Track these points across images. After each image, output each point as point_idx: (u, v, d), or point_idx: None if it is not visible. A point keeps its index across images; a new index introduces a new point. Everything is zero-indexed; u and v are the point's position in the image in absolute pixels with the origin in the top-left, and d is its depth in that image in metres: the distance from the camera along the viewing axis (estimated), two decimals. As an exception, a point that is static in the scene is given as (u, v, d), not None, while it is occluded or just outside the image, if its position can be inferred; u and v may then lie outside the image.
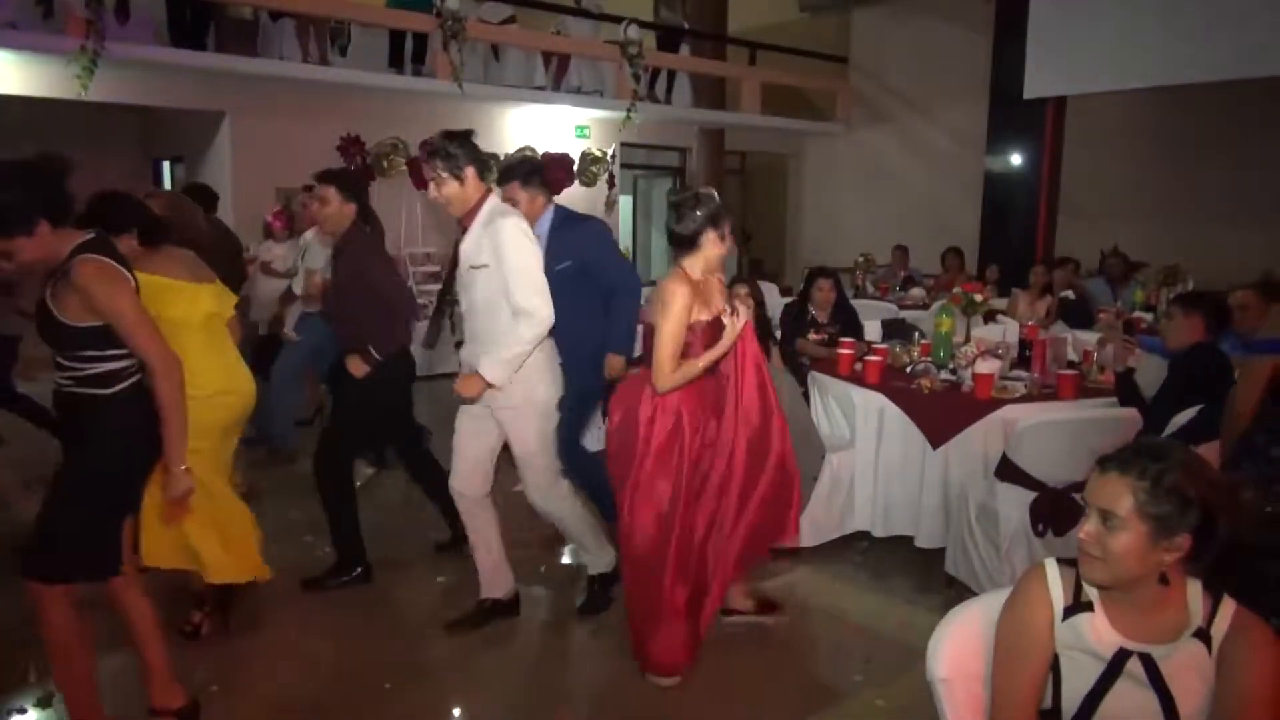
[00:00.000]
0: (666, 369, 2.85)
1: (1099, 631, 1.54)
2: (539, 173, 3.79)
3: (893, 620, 3.64)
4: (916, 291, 8.41)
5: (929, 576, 3.94)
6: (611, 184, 10.29)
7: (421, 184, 8.47)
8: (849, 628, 3.62)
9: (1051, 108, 9.19)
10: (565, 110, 9.79)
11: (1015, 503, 3.44)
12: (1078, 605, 1.57)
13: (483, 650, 3.34)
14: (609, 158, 10.25)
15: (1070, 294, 6.87)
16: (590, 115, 10.06)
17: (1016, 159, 9.80)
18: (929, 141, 11.08)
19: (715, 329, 2.94)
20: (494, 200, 3.18)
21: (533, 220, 3.47)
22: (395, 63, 8.50)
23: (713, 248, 2.99)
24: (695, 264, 2.98)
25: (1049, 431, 3.39)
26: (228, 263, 4.26)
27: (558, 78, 9.62)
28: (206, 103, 7.92)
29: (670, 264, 3.03)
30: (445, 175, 3.07)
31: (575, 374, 3.55)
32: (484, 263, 3.08)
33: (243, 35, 7.98)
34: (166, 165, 9.81)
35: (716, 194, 3.04)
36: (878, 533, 4.24)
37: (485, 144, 9.84)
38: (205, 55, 7.37)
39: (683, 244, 2.99)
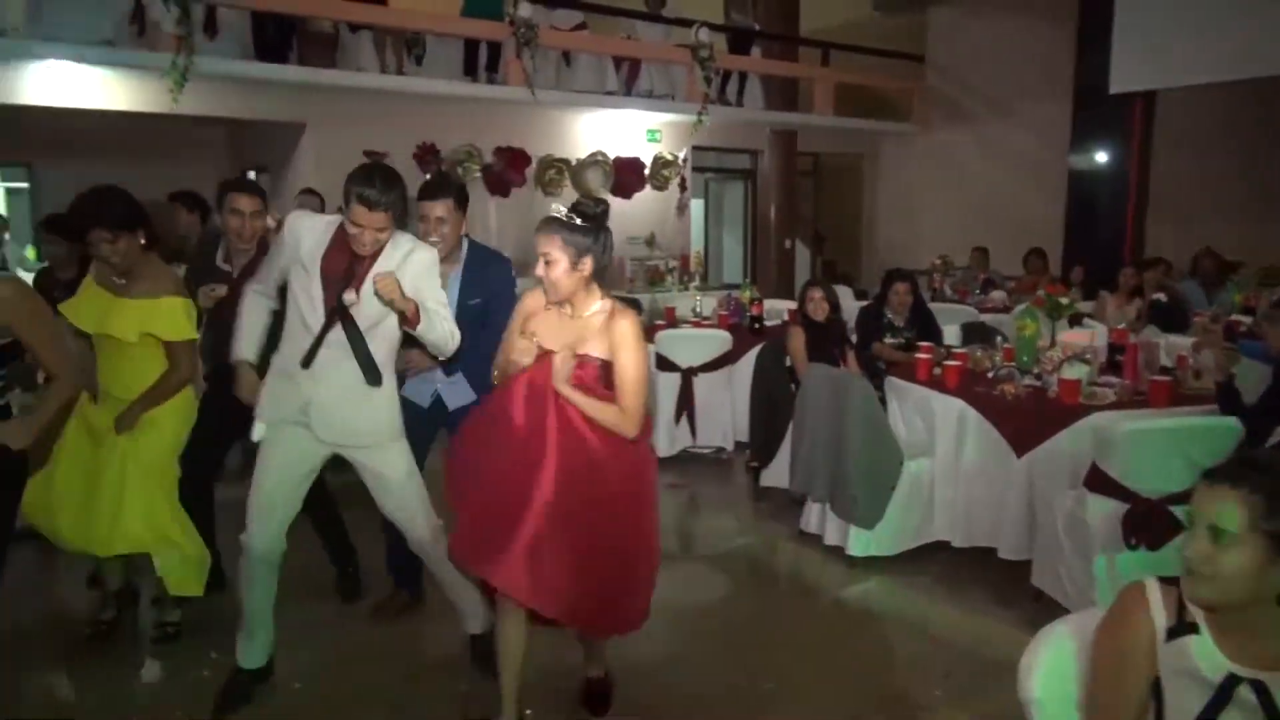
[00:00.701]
0: (638, 411, 2.51)
1: (1206, 655, 1.45)
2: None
3: (973, 634, 3.52)
4: (997, 294, 8.17)
5: (1012, 589, 3.80)
6: (683, 188, 10.26)
7: (498, 189, 8.63)
8: (927, 640, 3.52)
9: (1139, 103, 8.83)
10: (637, 114, 9.80)
11: (1106, 514, 3.29)
12: (1182, 626, 1.47)
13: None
14: (680, 161, 10.23)
15: (1162, 297, 6.59)
16: (661, 119, 10.05)
17: (1102, 157, 9.44)
18: (1009, 140, 10.76)
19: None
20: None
21: (452, 246, 3.20)
22: (469, 71, 8.62)
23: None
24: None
25: (1143, 440, 3.24)
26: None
27: (629, 82, 9.63)
28: (289, 114, 8.15)
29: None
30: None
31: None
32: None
33: (323, 48, 8.19)
34: (252, 175, 10.13)
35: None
36: (957, 543, 4.13)
37: (558, 149, 10.02)
38: (288, 68, 7.59)
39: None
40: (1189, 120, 9.00)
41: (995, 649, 3.37)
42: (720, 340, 5.81)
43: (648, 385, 2.55)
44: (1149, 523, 3.19)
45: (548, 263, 2.50)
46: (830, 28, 11.18)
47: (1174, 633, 1.48)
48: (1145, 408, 3.86)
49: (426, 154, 8.44)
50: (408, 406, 3.15)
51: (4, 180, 9.97)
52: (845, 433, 4.01)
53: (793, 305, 7.21)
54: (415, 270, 2.74)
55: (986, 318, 6.89)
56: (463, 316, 3.02)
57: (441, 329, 2.77)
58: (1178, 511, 3.15)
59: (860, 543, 4.08)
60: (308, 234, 2.75)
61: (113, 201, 2.98)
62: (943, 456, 4.12)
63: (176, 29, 6.45)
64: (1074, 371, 3.96)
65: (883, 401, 4.44)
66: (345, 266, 2.71)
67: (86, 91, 7.01)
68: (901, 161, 12.09)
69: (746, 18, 10.36)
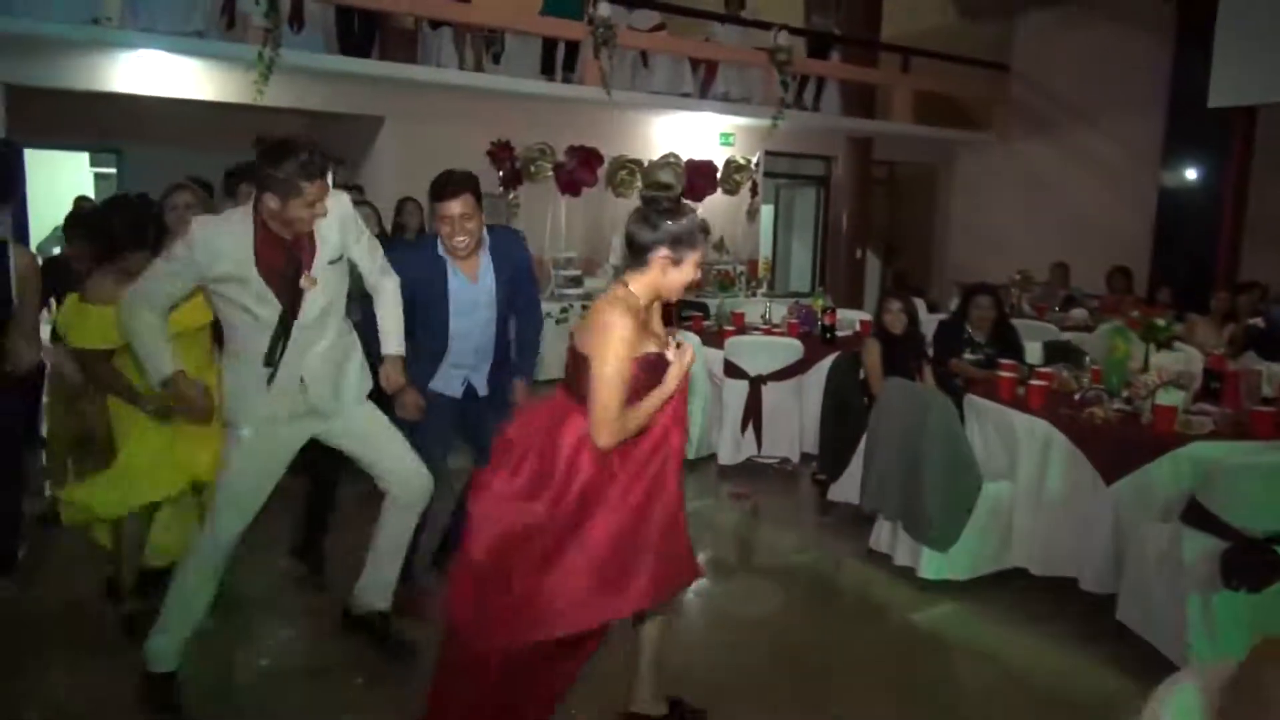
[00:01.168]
0: (612, 423, 2.29)
1: None
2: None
3: (1052, 668, 3.36)
4: (1078, 312, 7.87)
5: (1094, 623, 3.62)
6: (754, 192, 10.14)
7: (569, 188, 8.63)
8: (1002, 672, 3.36)
9: (1240, 118, 8.44)
10: (711, 117, 9.71)
11: (1203, 551, 3.10)
12: None
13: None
14: (753, 165, 10.11)
15: (1259, 322, 6.26)
16: (735, 122, 9.95)
17: (1196, 174, 9.07)
18: (1095, 153, 10.39)
19: (663, 364, 2.39)
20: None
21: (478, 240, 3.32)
22: (547, 70, 8.64)
23: (669, 273, 2.38)
24: (642, 286, 2.40)
25: (1248, 475, 3.04)
26: None
27: (705, 84, 9.56)
28: (368, 107, 8.25)
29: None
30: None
31: None
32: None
33: (404, 43, 8.28)
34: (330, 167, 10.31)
35: (699, 215, 2.44)
36: (1037, 571, 3.95)
37: (631, 150, 9.99)
38: (369, 62, 7.69)
39: (635, 255, 2.41)
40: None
41: (1076, 686, 3.21)
42: (792, 349, 5.69)
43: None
44: (1251, 563, 2.99)
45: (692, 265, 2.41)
46: (912, 33, 10.95)
47: None
48: (1247, 438, 3.65)
49: (501, 151, 8.47)
50: (436, 400, 3.29)
51: (95, 165, 10.28)
52: (922, 450, 3.87)
53: (865, 316, 7.06)
54: (345, 225, 2.81)
55: (1068, 336, 6.64)
56: (499, 294, 3.30)
57: (397, 303, 3.03)
58: (1283, 552, 2.97)
59: (933, 565, 3.93)
60: (225, 250, 2.59)
61: (149, 223, 3.16)
62: (1024, 480, 3.95)
63: (264, 22, 6.57)
64: (1169, 397, 3.75)
65: (961, 419, 4.29)
66: (284, 256, 2.66)
67: (176, 81, 7.19)
68: (979, 172, 11.79)
69: (827, 21, 10.20)
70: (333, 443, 2.94)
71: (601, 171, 9.06)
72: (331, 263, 2.76)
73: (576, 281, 8.58)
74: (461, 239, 3.15)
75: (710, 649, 3.45)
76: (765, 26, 9.21)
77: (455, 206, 3.12)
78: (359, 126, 8.67)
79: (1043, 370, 4.44)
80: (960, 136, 11.51)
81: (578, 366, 2.39)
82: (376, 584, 3.14)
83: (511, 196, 8.40)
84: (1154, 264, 9.35)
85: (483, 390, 3.40)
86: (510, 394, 3.45)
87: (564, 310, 8.35)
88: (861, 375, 4.84)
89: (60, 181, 9.50)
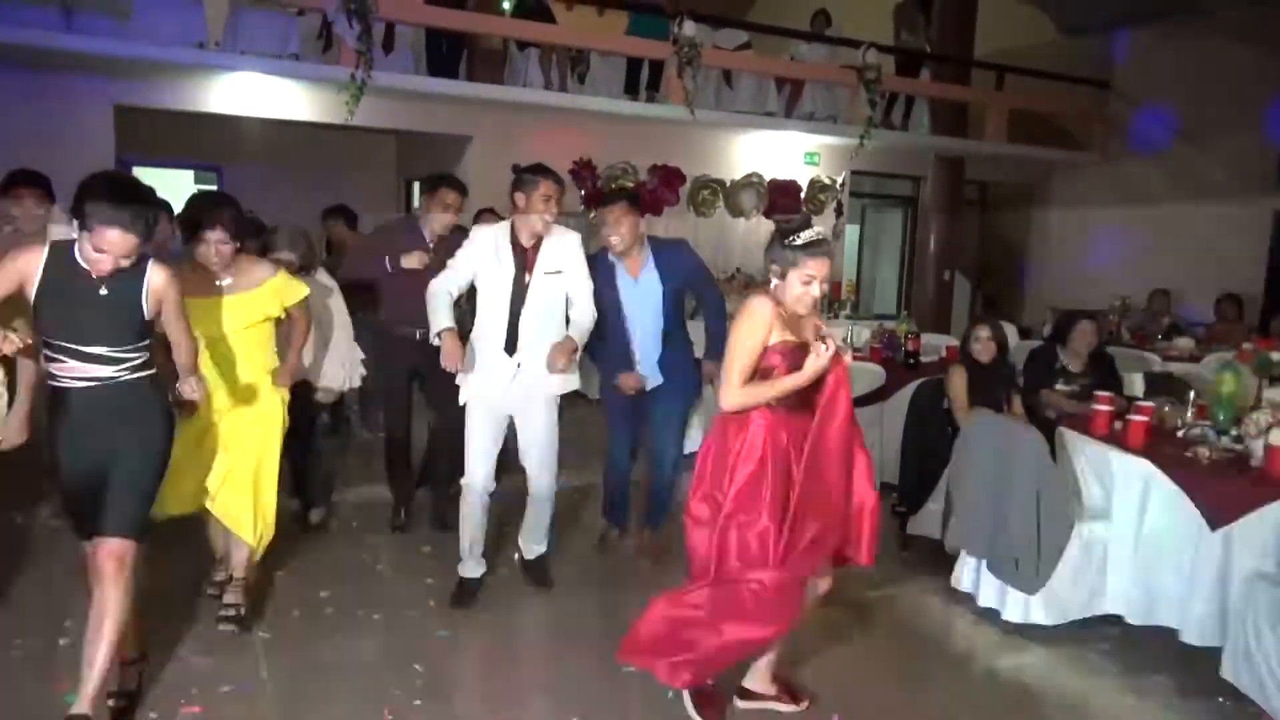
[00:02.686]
0: (733, 382, 2.71)
1: None
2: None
3: (1149, 726, 3.13)
4: (1183, 342, 7.46)
5: (1196, 679, 3.37)
6: (839, 213, 9.95)
7: (650, 207, 8.60)
8: (1094, 729, 3.15)
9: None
10: (795, 136, 9.58)
11: None
12: None
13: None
14: (838, 185, 9.92)
15: (1384, 356, 5.81)
16: (820, 141, 9.80)
17: (1315, 196, 8.52)
18: (1203, 174, 9.87)
19: (802, 354, 2.72)
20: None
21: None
22: (631, 89, 8.66)
23: (782, 289, 2.76)
24: (783, 292, 2.77)
25: None
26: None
27: (790, 103, 9.44)
28: (455, 127, 8.40)
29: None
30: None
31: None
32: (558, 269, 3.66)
33: (491, 64, 8.41)
34: (417, 186, 10.53)
35: (828, 234, 2.90)
36: (1133, 619, 3.70)
37: (714, 169, 9.94)
38: (456, 83, 7.83)
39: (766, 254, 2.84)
40: None
41: (1175, 747, 2.99)
42: (873, 374, 5.52)
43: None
44: None
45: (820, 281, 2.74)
46: (1007, 50, 10.62)
47: None
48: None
49: (583, 170, 8.51)
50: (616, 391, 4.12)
51: (198, 183, 10.74)
52: (1010, 486, 3.68)
53: (951, 341, 6.80)
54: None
55: (1171, 368, 6.29)
56: (665, 294, 4.05)
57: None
58: None
59: (1019, 608, 3.73)
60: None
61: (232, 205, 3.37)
62: (1121, 521, 3.71)
63: (358, 45, 6.75)
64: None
65: (1052, 454, 4.06)
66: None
67: (273, 102, 7.45)
68: (1077, 193, 11.33)
69: (918, 39, 9.97)
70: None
71: (684, 191, 9.02)
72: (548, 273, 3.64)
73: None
74: (615, 238, 3.96)
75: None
76: (853, 44, 9.05)
77: (610, 214, 3.97)
78: (447, 145, 8.83)
79: (1143, 404, 4.17)
80: (1057, 156, 11.09)
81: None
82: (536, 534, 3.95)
83: (593, 215, 8.43)
84: (1268, 292, 8.81)
85: (655, 380, 4.09)
86: (683, 381, 4.15)
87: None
88: (946, 404, 4.65)
89: (167, 198, 9.95)
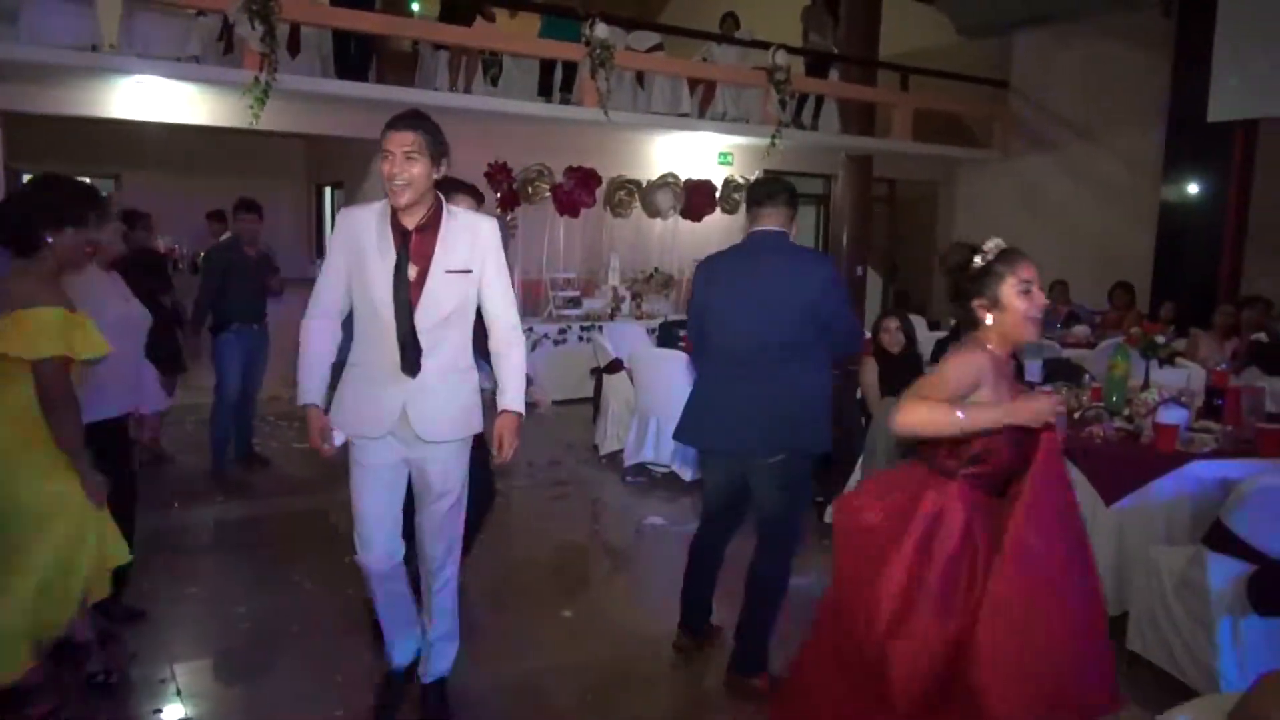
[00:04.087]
0: (920, 394, 2.23)
1: None
2: None
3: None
4: (1080, 329, 7.82)
5: (1098, 647, 3.54)
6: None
7: (567, 209, 8.62)
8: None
9: (1240, 132, 8.40)
10: (709, 137, 9.71)
11: (1230, 576, 3.01)
12: None
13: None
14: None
15: (1263, 336, 6.20)
16: (734, 142, 9.95)
17: (1197, 188, 9.02)
18: (1096, 169, 10.36)
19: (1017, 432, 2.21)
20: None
21: None
22: (544, 91, 8.66)
23: (1019, 300, 2.27)
24: (1005, 325, 2.28)
25: (1275, 497, 2.95)
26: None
27: (703, 104, 9.56)
28: (366, 131, 8.20)
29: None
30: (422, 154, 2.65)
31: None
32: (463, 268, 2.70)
33: (402, 66, 8.31)
34: (328, 191, 10.33)
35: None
36: (1038, 594, 3.86)
37: (630, 170, 9.99)
38: (365, 86, 7.70)
39: (961, 299, 2.34)
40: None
41: (1080, 713, 3.13)
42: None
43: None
44: (1278, 587, 2.91)
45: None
46: (911, 52, 10.96)
47: None
48: (1251, 456, 3.58)
49: (498, 172, 8.47)
50: None
51: (95, 191, 10.34)
52: (920, 472, 3.80)
53: (864, 334, 6.99)
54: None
55: (1069, 354, 6.58)
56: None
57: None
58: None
59: (932, 588, 3.85)
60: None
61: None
62: (1024, 501, 3.87)
63: (261, 47, 6.59)
64: (1171, 416, 3.69)
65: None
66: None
67: (173, 106, 7.21)
68: (980, 189, 11.76)
69: (825, 40, 10.21)
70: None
71: (600, 192, 9.05)
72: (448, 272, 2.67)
73: (575, 303, 8.56)
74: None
75: (694, 674, 3.38)
76: (763, 46, 9.22)
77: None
78: (357, 150, 8.68)
79: (1042, 389, 4.37)
80: (960, 154, 11.50)
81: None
82: (439, 652, 2.97)
83: (510, 218, 8.39)
84: (1156, 279, 9.29)
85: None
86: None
87: (562, 332, 8.33)
88: (859, 395, 4.78)
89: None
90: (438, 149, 2.67)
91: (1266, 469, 3.34)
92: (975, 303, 2.30)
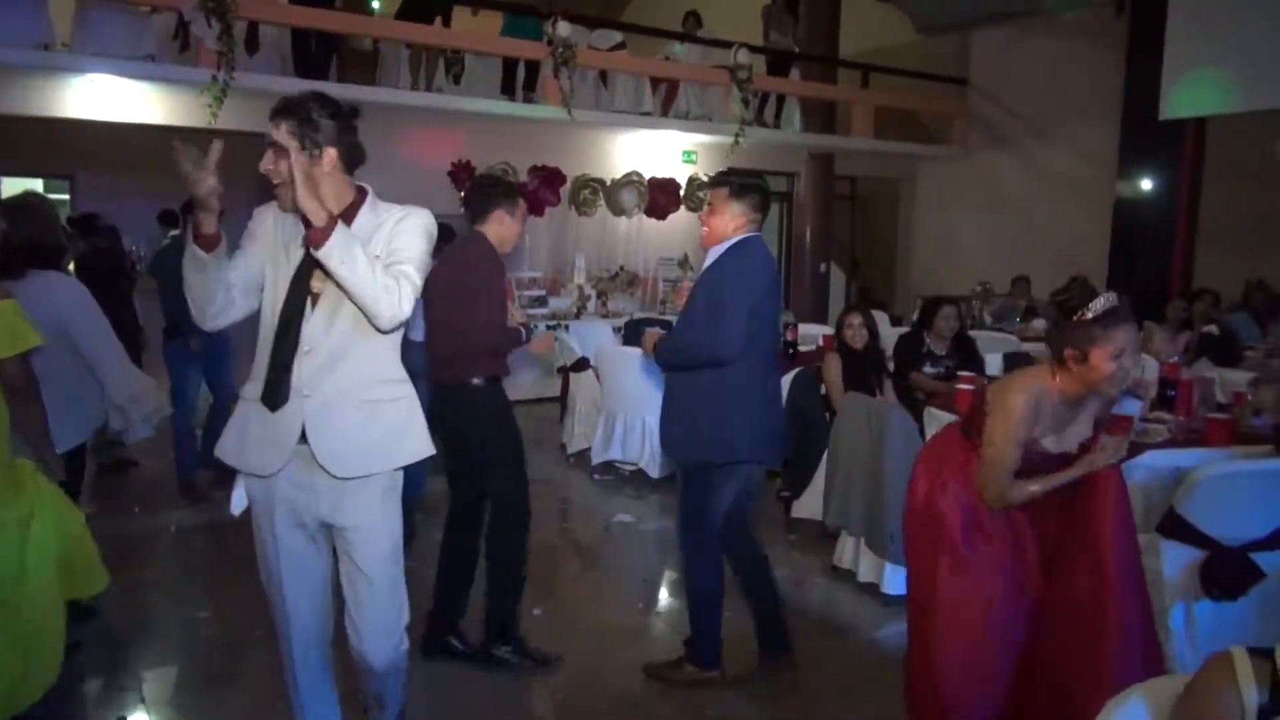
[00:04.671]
0: (1002, 480, 2.46)
1: None
2: None
3: (1017, 682, 3.35)
4: (1038, 324, 7.96)
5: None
6: (718, 209, 10.17)
7: (532, 208, 8.59)
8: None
9: (1191, 129, 8.61)
10: (673, 135, 9.74)
11: (1183, 563, 3.09)
12: (1277, 705, 1.34)
13: None
14: (716, 183, 10.13)
15: (1213, 329, 6.36)
16: (697, 140, 9.99)
17: (1150, 184, 9.21)
18: (1053, 165, 10.55)
19: (1057, 465, 2.46)
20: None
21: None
22: (507, 90, 8.64)
23: (1108, 363, 2.34)
24: (1089, 374, 2.36)
25: (1229, 484, 3.03)
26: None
27: (666, 103, 9.59)
28: (327, 130, 8.18)
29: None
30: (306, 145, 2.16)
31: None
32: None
33: (363, 65, 8.24)
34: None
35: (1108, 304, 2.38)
36: (999, 583, 3.94)
37: (594, 169, 9.99)
38: (326, 85, 7.61)
39: (1059, 332, 2.44)
40: (1242, 148, 8.75)
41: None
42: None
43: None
44: (1230, 572, 3.00)
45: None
46: (870, 50, 11.08)
47: (1268, 712, 1.34)
48: (1201, 446, 3.68)
49: (462, 171, 8.44)
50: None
51: (48, 192, 10.12)
52: (883, 466, 3.87)
53: (827, 331, 7.06)
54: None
55: (1029, 347, 6.70)
56: None
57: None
58: (1261, 560, 2.99)
59: (896, 580, 3.92)
60: None
61: None
62: (985, 493, 3.95)
63: (218, 45, 6.50)
64: (1126, 407, 3.77)
65: (921, 433, 4.29)
66: None
67: (128, 105, 7.09)
68: (940, 185, 11.92)
69: (786, 39, 10.28)
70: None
71: (564, 191, 9.05)
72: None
73: (541, 301, 8.55)
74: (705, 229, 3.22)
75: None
76: (725, 45, 9.27)
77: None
78: (318, 149, 8.59)
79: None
80: (921, 151, 11.65)
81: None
82: None
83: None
84: (1112, 273, 9.48)
85: None
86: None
87: (529, 331, 8.30)
88: (823, 391, 4.84)
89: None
90: (314, 137, 2.14)
91: (1216, 458, 3.44)
92: (1067, 350, 2.38)
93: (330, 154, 2.18)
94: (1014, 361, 5.60)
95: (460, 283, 3.24)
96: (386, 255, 2.16)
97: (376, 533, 2.25)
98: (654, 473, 5.64)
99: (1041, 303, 8.73)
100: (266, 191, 2.27)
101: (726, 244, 3.15)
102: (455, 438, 3.31)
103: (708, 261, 3.16)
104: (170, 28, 7.11)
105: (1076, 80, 10.07)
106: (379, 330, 2.16)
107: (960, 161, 11.52)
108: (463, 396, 3.26)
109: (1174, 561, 3.11)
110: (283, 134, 2.13)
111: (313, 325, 2.18)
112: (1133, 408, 3.83)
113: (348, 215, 2.19)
